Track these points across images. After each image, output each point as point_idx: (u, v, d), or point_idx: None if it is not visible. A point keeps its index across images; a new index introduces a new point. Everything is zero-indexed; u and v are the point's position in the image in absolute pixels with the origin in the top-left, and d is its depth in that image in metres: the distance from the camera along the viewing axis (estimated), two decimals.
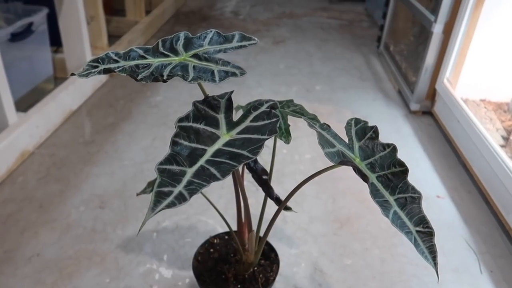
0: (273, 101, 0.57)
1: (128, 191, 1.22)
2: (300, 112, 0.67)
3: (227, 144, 0.50)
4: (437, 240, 1.13)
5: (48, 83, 1.73)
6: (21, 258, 0.99)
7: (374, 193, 0.47)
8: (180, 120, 0.52)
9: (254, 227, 0.80)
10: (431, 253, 0.44)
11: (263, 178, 0.68)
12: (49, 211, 1.13)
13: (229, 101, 0.57)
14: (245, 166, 0.72)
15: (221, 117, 0.54)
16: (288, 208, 0.75)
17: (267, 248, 0.89)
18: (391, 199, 0.47)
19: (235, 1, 3.20)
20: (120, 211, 1.14)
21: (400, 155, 1.41)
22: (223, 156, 0.48)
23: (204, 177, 0.45)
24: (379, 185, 0.49)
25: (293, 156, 1.41)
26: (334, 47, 2.36)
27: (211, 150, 0.49)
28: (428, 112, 1.69)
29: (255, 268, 0.84)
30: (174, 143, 0.49)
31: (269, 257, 0.87)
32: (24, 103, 1.54)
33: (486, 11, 1.38)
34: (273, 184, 1.27)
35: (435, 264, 0.44)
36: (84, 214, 1.13)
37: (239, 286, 0.81)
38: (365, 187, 1.33)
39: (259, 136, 0.50)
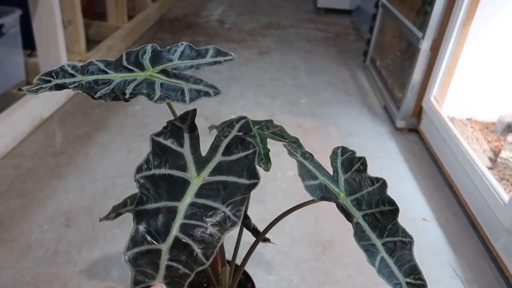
0: (244, 119, 0.50)
1: (98, 207, 1.14)
2: (280, 134, 0.61)
3: (201, 194, 0.42)
4: (423, 266, 1.07)
5: None
6: None
7: (359, 235, 0.42)
8: (139, 168, 0.44)
9: (229, 254, 0.73)
10: None
11: None
12: (9, 230, 1.04)
13: (193, 127, 0.49)
14: None
15: (186, 152, 0.46)
16: (266, 240, 0.68)
17: (243, 278, 0.82)
18: (378, 242, 0.42)
19: (221, 9, 3.15)
20: (87, 230, 1.06)
21: (386, 174, 1.36)
22: (194, 216, 0.40)
23: (185, 258, 0.37)
24: (365, 226, 0.43)
25: (275, 173, 1.35)
26: (320, 60, 2.33)
27: (182, 206, 0.40)
28: (414, 129, 1.65)
29: None
30: (137, 214, 0.40)
31: (245, 287, 0.80)
32: None
33: (474, 29, 1.36)
34: (254, 203, 1.21)
35: None
36: (48, 233, 1.04)
37: None
38: None
39: (235, 179, 0.42)
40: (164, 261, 0.37)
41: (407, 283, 0.40)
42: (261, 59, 2.27)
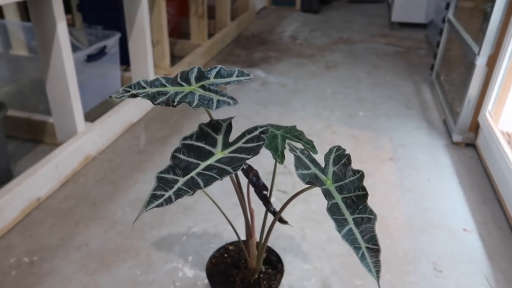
0: (266, 127, 0.66)
1: None
2: (298, 137, 0.76)
3: (218, 160, 0.61)
4: (454, 272, 1.12)
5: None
6: (72, 245, 1.18)
7: (334, 211, 0.55)
8: (185, 138, 0.64)
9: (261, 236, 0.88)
10: (376, 267, 0.50)
11: (263, 193, 0.77)
12: (101, 209, 1.31)
13: (229, 125, 0.68)
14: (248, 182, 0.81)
15: (219, 138, 0.65)
16: (283, 222, 0.83)
17: (275, 259, 0.97)
18: (350, 218, 0.54)
19: (295, 26, 3.34)
20: (158, 214, 1.29)
21: (432, 185, 1.46)
22: (212, 170, 0.59)
23: (191, 185, 0.56)
24: (342, 205, 0.56)
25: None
26: (385, 74, 2.38)
27: (203, 164, 0.60)
28: (471, 144, 1.65)
29: (261, 275, 0.93)
30: (173, 157, 0.60)
31: (276, 267, 0.95)
32: (95, 114, 1.78)
33: None
34: (299, 203, 1.35)
35: (378, 277, 0.50)
36: (129, 213, 1.29)
37: None
38: (388, 213, 1.34)
39: (244, 156, 0.60)
40: (178, 185, 0.56)
41: (367, 247, 0.52)
42: (326, 73, 2.39)
